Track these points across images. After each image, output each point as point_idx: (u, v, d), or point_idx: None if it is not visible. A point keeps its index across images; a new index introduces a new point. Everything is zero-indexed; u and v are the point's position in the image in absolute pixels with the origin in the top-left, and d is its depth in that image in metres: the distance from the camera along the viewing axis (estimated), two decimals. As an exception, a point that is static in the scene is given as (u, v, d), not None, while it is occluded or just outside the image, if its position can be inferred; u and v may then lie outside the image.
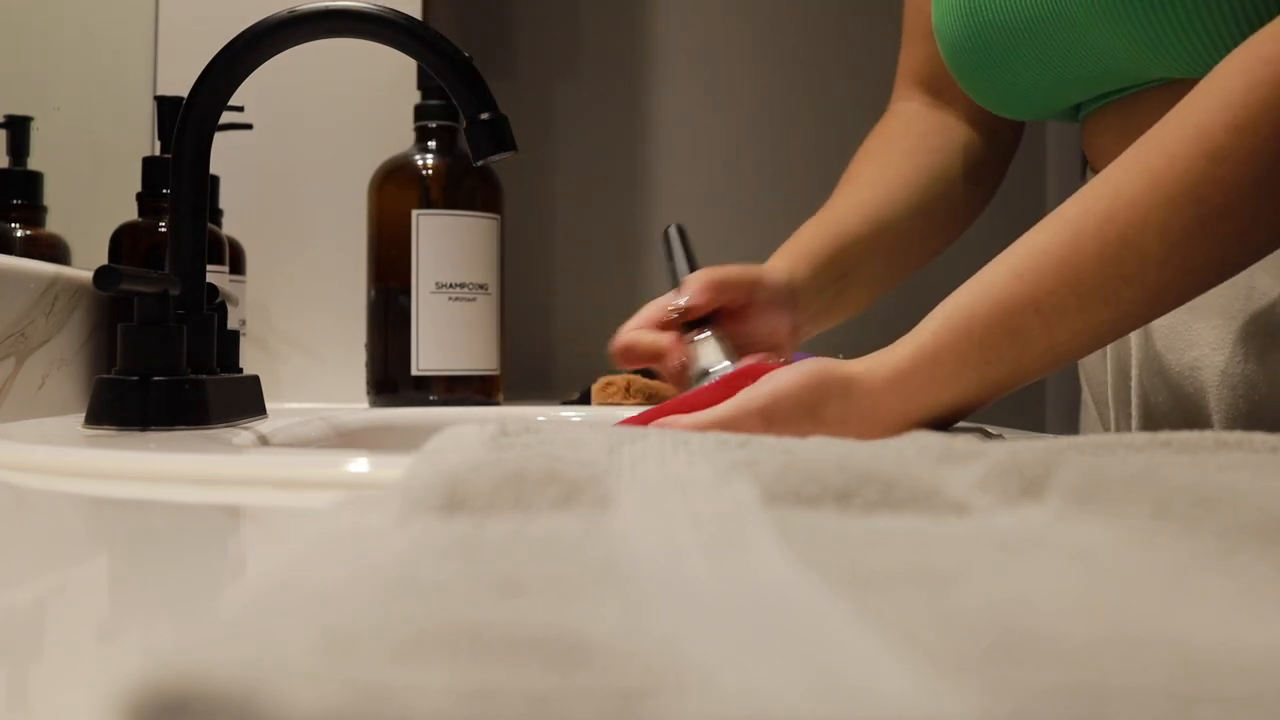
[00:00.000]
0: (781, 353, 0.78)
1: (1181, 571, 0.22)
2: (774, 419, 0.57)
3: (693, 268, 0.76)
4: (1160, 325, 0.71)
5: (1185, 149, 0.52)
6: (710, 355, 0.70)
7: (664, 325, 0.73)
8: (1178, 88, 0.63)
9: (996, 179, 0.89)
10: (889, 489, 0.28)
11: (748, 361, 0.67)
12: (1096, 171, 0.75)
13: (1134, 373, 0.74)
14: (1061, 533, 0.25)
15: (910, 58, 0.88)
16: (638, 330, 0.74)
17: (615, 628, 0.17)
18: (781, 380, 0.58)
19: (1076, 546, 0.24)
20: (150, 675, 0.14)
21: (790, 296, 0.78)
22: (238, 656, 0.15)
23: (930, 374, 0.56)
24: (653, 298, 0.77)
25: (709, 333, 0.71)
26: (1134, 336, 0.74)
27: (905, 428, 0.55)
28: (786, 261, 0.79)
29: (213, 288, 0.83)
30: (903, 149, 0.85)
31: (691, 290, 0.72)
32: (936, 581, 0.20)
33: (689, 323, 0.73)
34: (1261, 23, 0.54)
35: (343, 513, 0.25)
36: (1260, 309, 0.65)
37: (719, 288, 0.73)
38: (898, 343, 0.58)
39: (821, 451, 0.32)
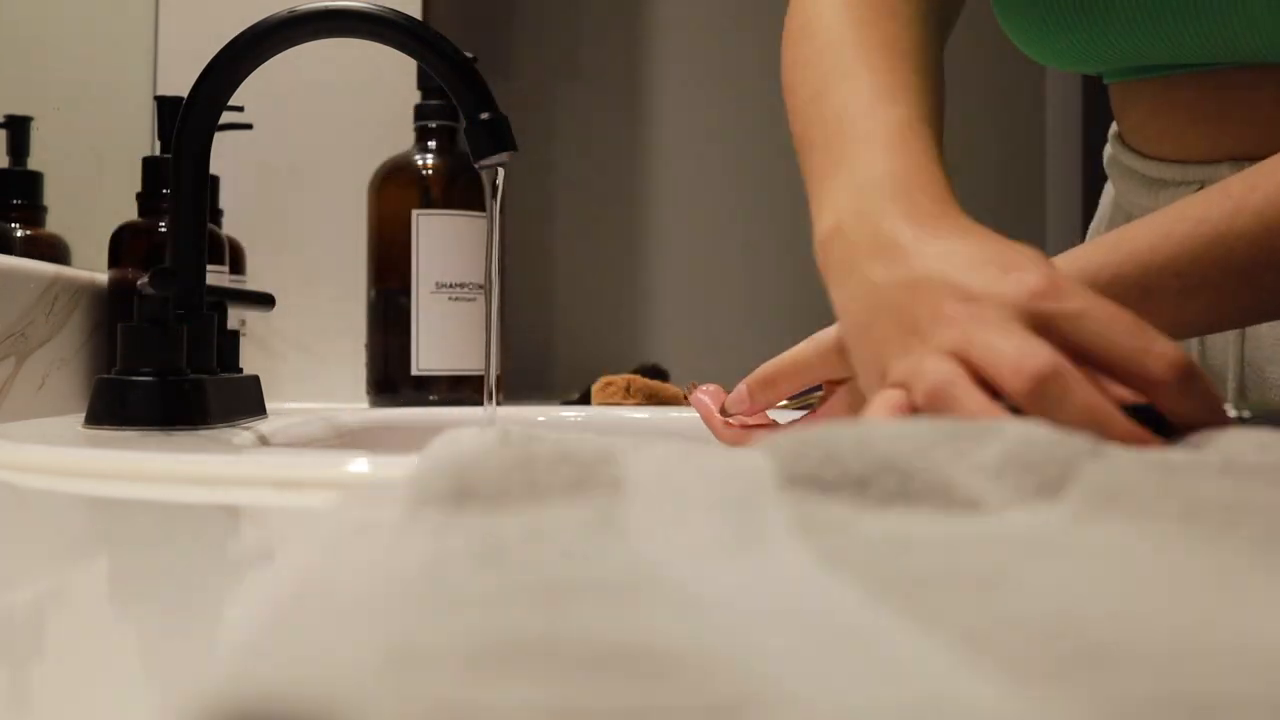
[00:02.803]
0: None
1: (1223, 574, 0.21)
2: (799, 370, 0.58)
3: None
4: (1264, 335, 0.69)
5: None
6: None
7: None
8: (1215, 73, 0.62)
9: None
10: (907, 480, 0.28)
11: None
12: (1125, 143, 0.73)
13: (1230, 385, 0.72)
14: (1087, 535, 0.25)
15: None
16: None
17: (681, 639, 0.16)
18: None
19: (1108, 548, 0.23)
20: (225, 696, 0.14)
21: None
22: (309, 674, 0.14)
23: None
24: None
25: None
26: (1232, 346, 0.71)
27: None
28: None
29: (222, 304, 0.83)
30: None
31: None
32: (979, 585, 0.20)
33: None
34: None
35: (349, 509, 0.25)
36: None
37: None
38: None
39: (839, 431, 0.31)
